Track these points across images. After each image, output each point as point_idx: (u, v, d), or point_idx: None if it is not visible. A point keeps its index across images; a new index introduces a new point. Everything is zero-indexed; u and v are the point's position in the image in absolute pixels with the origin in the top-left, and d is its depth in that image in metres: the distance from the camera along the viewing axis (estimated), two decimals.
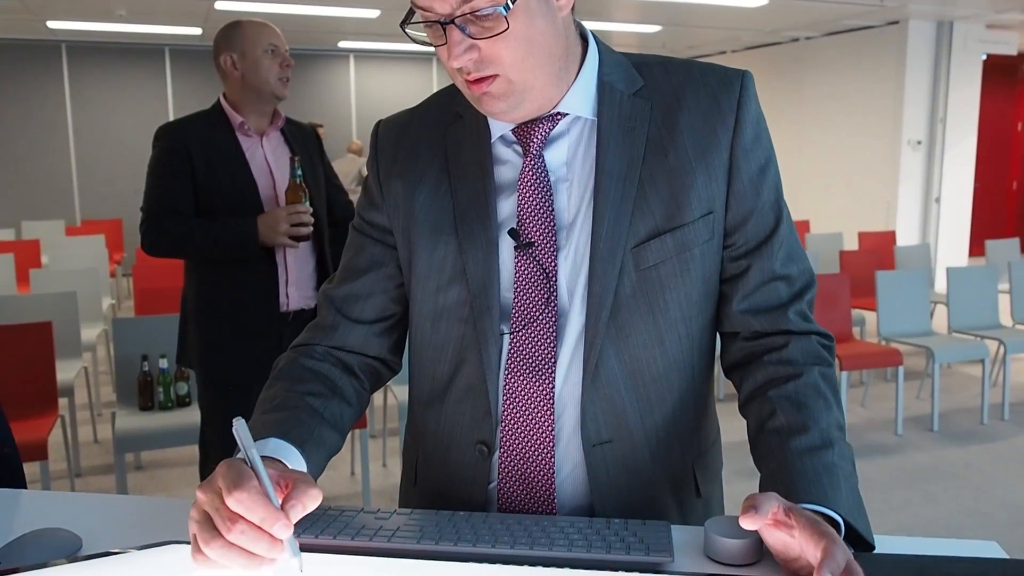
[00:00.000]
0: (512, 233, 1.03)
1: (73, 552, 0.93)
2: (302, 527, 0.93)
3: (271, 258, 2.54)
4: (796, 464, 0.92)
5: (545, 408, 1.03)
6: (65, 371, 3.77)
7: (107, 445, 4.35)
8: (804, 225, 7.68)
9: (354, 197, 2.74)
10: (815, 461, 0.92)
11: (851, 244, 7.18)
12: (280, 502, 0.78)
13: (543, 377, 1.03)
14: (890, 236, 7.18)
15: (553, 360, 1.03)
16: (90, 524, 1.00)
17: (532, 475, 1.05)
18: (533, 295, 1.03)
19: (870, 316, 5.38)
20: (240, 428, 0.78)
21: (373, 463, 4.08)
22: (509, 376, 1.04)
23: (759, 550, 0.89)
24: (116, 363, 3.49)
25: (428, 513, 0.98)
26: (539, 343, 1.03)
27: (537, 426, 1.04)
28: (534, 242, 1.03)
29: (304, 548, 0.86)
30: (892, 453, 4.29)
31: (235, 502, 0.74)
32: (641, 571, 0.83)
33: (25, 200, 10.24)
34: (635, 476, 1.06)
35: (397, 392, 3.66)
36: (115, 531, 1.00)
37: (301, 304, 2.61)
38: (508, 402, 1.05)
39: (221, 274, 2.55)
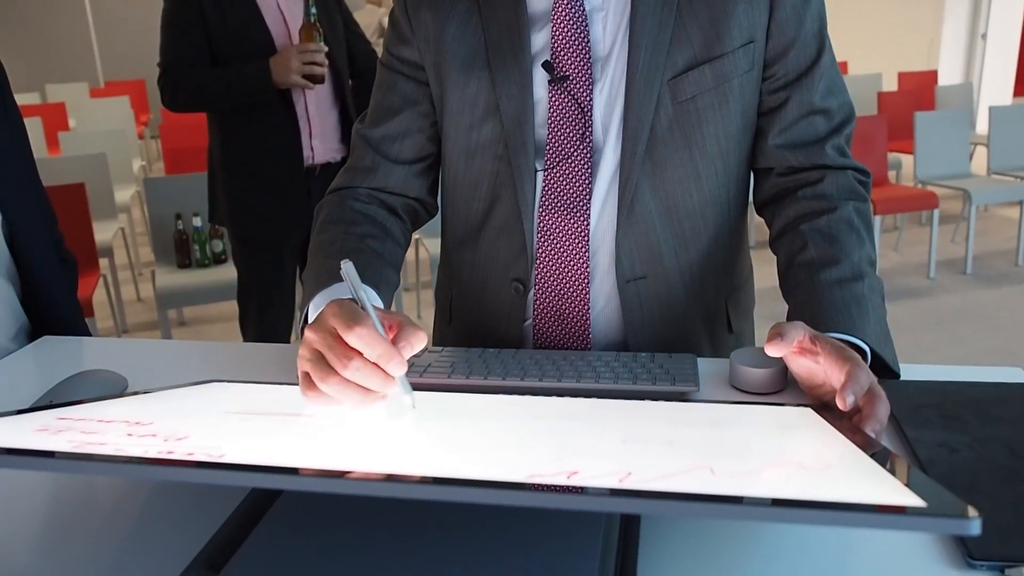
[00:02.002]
0: (546, 66, 1.01)
1: (119, 391, 0.97)
2: None
3: (291, 110, 2.50)
4: (825, 295, 0.92)
5: (580, 245, 1.04)
6: (103, 232, 3.84)
7: (150, 303, 4.48)
8: (842, 67, 7.36)
9: (375, 51, 2.66)
10: (844, 292, 0.92)
11: (890, 86, 6.93)
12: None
13: (578, 214, 1.03)
14: (931, 76, 6.91)
15: (588, 196, 1.02)
16: (135, 367, 1.04)
17: (567, 312, 1.07)
18: (568, 131, 1.01)
19: (907, 160, 5.26)
20: (348, 270, 0.77)
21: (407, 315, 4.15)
22: (543, 213, 1.04)
23: (783, 378, 0.91)
24: (151, 223, 3.54)
25: (458, 350, 1.01)
26: (574, 179, 1.02)
27: (572, 263, 1.04)
28: (569, 76, 1.00)
29: None
30: (923, 296, 4.29)
31: (356, 338, 0.74)
32: (667, 399, 0.85)
33: (47, 63, 10.12)
34: (669, 311, 1.07)
35: (428, 245, 3.69)
36: (159, 373, 1.04)
37: (327, 157, 2.60)
38: (543, 239, 1.05)
39: (243, 129, 2.53)
